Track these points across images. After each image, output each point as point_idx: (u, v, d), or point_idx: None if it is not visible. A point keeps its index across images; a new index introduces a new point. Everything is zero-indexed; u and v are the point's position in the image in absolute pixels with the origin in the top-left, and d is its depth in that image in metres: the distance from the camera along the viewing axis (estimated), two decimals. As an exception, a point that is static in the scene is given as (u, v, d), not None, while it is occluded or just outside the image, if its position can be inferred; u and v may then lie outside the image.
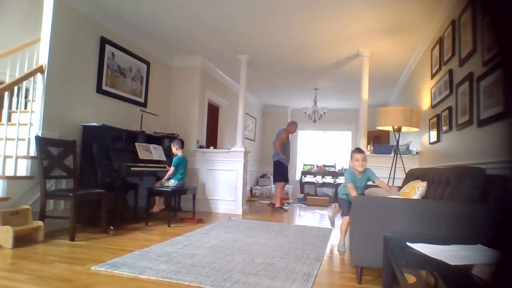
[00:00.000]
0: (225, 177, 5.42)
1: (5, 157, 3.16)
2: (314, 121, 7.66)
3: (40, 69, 3.45)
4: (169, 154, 4.66)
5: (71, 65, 3.77)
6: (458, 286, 1.19)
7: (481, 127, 2.62)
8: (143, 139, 4.46)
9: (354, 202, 2.26)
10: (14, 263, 2.38)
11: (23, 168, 3.27)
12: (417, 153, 4.75)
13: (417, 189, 2.52)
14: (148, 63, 5.12)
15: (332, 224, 4.08)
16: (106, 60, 4.25)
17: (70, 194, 3.07)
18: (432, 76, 4.06)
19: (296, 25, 4.29)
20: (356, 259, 2.19)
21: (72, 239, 3.02)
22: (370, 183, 3.17)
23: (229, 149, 5.53)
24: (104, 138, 3.77)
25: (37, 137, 3.26)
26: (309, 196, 7.71)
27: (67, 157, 3.52)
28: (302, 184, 8.80)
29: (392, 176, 4.25)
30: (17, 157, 3.23)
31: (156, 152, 4.49)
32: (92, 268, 2.27)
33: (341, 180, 8.79)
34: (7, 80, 3.86)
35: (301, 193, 8.48)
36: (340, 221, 3.25)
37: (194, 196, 4.65)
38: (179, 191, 4.31)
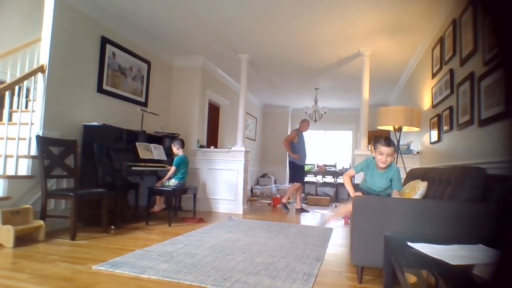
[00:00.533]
0: (225, 177, 5.43)
1: (6, 156, 3.17)
2: (315, 121, 7.65)
3: (41, 69, 3.45)
4: (169, 153, 4.66)
5: (71, 64, 3.77)
6: (459, 286, 1.19)
7: (482, 127, 2.61)
8: (144, 139, 4.47)
9: (354, 202, 2.25)
10: (15, 262, 2.38)
11: (24, 168, 3.28)
12: (417, 152, 4.74)
13: (417, 189, 2.52)
14: (148, 63, 5.13)
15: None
16: (106, 60, 4.25)
17: (71, 194, 3.08)
18: (433, 75, 4.06)
19: (297, 24, 4.29)
20: (356, 259, 2.18)
21: (73, 238, 3.03)
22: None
23: (229, 148, 5.53)
24: (105, 138, 3.77)
25: (38, 137, 3.26)
26: (310, 195, 7.70)
27: (68, 157, 3.52)
28: (302, 183, 8.79)
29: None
30: (18, 157, 3.24)
31: (156, 152, 4.49)
32: (93, 267, 2.28)
33: (341, 180, 8.79)
34: (8, 80, 3.87)
35: (302, 192, 8.47)
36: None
37: (194, 195, 4.66)
38: (179, 191, 4.31)
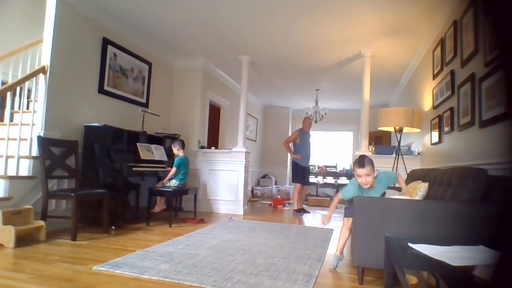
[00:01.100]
0: (226, 178, 5.43)
1: (8, 157, 3.17)
2: (316, 122, 7.65)
3: (42, 70, 3.46)
4: (170, 154, 4.66)
5: (73, 65, 3.78)
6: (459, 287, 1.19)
7: (483, 128, 2.61)
8: (145, 139, 4.47)
9: (355, 203, 2.25)
10: (16, 262, 2.39)
11: (25, 168, 3.29)
12: (418, 153, 4.74)
13: (418, 190, 2.52)
14: (150, 64, 5.14)
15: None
16: (108, 61, 4.26)
17: (72, 194, 3.08)
18: (434, 76, 4.06)
19: (298, 26, 4.29)
20: (357, 260, 2.18)
21: (73, 239, 3.03)
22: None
23: (230, 149, 5.53)
24: (106, 138, 3.78)
25: (39, 137, 3.26)
26: (311, 196, 7.70)
27: (69, 157, 3.53)
28: (307, 184, 8.78)
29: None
30: (19, 157, 3.24)
31: (157, 152, 4.50)
32: (93, 268, 2.28)
33: (342, 181, 8.79)
34: (10, 81, 3.88)
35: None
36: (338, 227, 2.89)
37: (195, 196, 4.66)
38: (180, 191, 4.31)
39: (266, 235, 3.67)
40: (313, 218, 5.39)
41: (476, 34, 2.75)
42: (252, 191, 8.47)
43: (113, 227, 3.54)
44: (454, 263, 1.26)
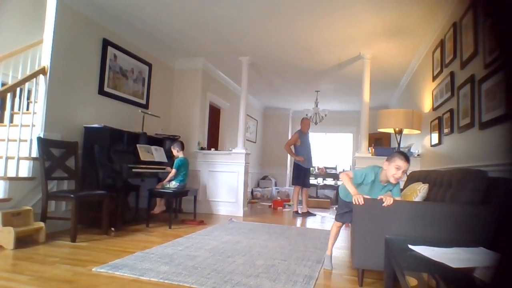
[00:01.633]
0: (226, 179, 5.43)
1: (7, 158, 3.17)
2: (316, 123, 7.66)
3: (42, 71, 3.46)
4: (170, 155, 4.66)
5: (73, 66, 3.78)
6: (459, 289, 1.19)
7: (482, 129, 2.61)
8: (145, 141, 4.47)
9: (356, 205, 2.24)
10: (16, 264, 2.38)
11: (25, 169, 3.28)
12: (418, 155, 4.74)
13: (418, 192, 2.52)
14: (150, 65, 5.14)
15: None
16: (108, 62, 4.26)
17: (72, 195, 3.08)
18: (434, 78, 4.06)
19: (298, 27, 4.30)
20: (357, 261, 2.18)
21: (73, 240, 3.03)
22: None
23: (230, 150, 5.53)
24: (106, 140, 3.78)
25: (39, 138, 3.26)
26: (310, 198, 7.69)
27: (68, 158, 3.53)
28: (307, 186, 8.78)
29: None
30: (19, 158, 3.24)
31: (157, 154, 4.50)
32: (93, 269, 2.28)
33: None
34: (10, 82, 3.88)
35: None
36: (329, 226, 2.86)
37: (195, 197, 4.66)
38: (180, 193, 4.31)
39: (266, 236, 3.67)
40: (312, 220, 5.38)
41: (475, 35, 2.75)
42: (252, 192, 8.47)
43: (112, 229, 3.53)
44: (454, 265, 1.26)
